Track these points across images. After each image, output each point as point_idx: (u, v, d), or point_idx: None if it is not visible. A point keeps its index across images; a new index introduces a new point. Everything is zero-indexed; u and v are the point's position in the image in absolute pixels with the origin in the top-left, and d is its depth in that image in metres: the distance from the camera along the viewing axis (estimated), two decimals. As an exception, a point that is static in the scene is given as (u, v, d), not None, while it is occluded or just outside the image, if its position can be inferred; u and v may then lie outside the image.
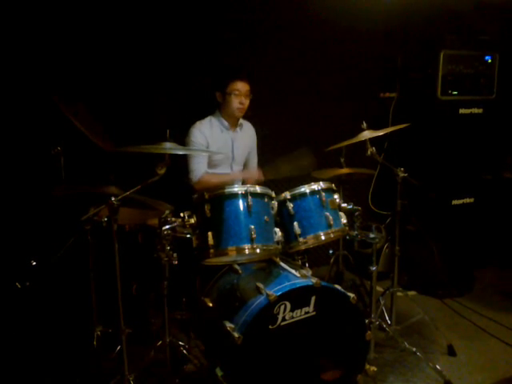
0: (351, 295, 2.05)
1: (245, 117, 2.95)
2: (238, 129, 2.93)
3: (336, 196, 2.29)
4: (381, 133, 2.46)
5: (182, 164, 2.75)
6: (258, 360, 1.92)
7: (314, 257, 3.62)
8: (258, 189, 2.09)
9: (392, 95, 3.79)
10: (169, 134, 1.95)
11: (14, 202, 2.67)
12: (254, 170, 2.95)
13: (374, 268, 2.45)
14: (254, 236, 1.97)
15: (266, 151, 3.28)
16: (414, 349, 2.50)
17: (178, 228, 2.04)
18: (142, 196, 1.98)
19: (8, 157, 2.67)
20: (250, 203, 2.02)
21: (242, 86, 2.75)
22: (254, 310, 1.92)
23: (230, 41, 3.22)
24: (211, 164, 2.85)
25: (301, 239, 2.16)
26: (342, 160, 2.90)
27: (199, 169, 2.76)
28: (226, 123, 2.86)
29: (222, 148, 2.85)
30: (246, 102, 2.79)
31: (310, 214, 2.19)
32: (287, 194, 2.21)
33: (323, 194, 2.21)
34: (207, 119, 2.86)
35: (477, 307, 3.24)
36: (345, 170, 2.78)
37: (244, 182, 2.99)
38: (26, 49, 2.67)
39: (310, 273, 2.12)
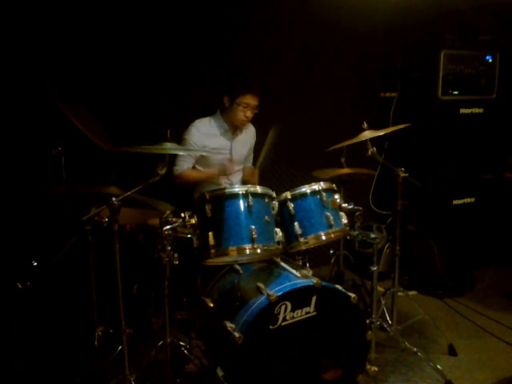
0: (352, 295, 2.05)
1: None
2: (237, 132, 2.92)
3: (337, 196, 2.29)
4: (381, 133, 2.45)
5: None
6: (258, 360, 1.92)
7: (315, 257, 3.62)
8: (258, 189, 2.09)
9: (393, 95, 3.79)
10: (169, 134, 1.96)
11: (15, 202, 2.67)
12: (228, 164, 2.80)
13: (375, 268, 2.45)
14: (254, 236, 1.97)
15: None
16: (415, 349, 2.50)
17: (178, 228, 2.04)
18: (142, 196, 1.98)
19: (9, 157, 2.67)
20: (251, 203, 2.02)
21: (252, 101, 2.70)
22: (254, 310, 1.92)
23: (229, 41, 3.22)
24: (208, 164, 2.83)
25: (301, 239, 2.16)
26: (343, 160, 2.89)
27: (182, 165, 2.78)
28: (225, 126, 2.84)
29: (220, 150, 2.83)
30: (251, 116, 2.76)
31: (311, 214, 2.18)
32: (288, 194, 2.21)
33: (324, 194, 2.21)
34: (207, 119, 2.84)
35: (477, 307, 3.24)
36: (345, 170, 2.77)
37: (245, 182, 2.99)
38: (27, 49, 2.67)
39: (310, 273, 2.12)
